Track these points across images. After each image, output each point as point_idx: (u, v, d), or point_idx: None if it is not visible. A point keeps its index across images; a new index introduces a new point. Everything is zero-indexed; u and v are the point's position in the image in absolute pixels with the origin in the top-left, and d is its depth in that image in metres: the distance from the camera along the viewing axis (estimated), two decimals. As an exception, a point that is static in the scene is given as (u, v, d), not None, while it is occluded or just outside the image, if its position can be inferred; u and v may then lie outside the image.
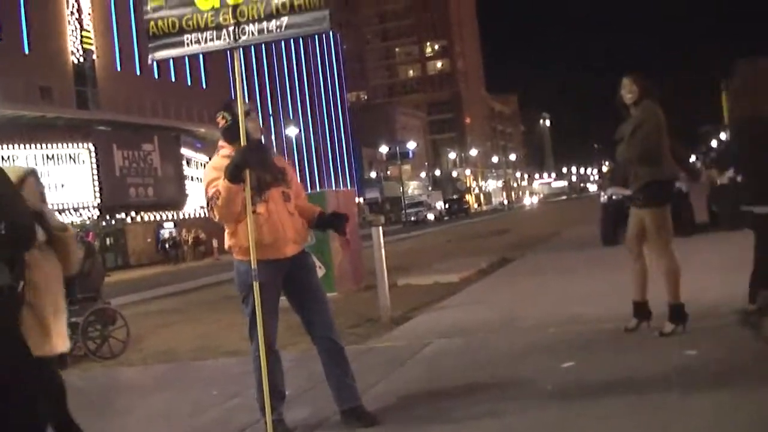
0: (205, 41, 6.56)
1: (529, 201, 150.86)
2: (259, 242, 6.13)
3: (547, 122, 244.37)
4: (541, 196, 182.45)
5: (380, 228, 12.90)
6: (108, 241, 56.54)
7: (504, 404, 6.32)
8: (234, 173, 6.01)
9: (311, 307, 6.44)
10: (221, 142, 6.45)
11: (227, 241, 6.44)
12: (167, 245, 58.59)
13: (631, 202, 8.72)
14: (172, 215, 60.54)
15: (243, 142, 6.18)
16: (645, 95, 8.48)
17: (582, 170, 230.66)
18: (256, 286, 6.12)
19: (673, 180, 8.67)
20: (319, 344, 6.45)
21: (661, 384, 6.36)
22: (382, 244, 12.56)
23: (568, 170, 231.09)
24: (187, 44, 6.64)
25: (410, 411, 6.54)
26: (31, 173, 6.11)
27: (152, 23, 6.74)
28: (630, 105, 8.53)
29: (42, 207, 6.01)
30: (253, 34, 6.42)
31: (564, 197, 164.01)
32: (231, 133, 6.32)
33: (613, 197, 21.00)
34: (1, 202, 4.41)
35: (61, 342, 5.92)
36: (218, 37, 6.52)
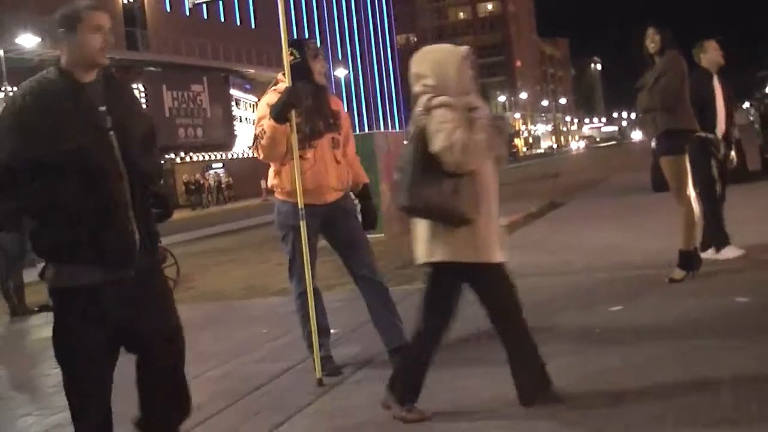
0: None
1: (575, 146, 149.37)
2: (301, 187, 6.13)
3: (598, 66, 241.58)
4: (586, 141, 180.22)
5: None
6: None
7: (552, 347, 6.28)
8: (280, 112, 5.98)
9: (350, 249, 6.46)
10: (279, 76, 6.39)
11: (270, 180, 6.45)
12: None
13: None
14: (221, 155, 60.85)
15: (288, 81, 6.14)
16: (668, 45, 8.56)
17: (632, 115, 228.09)
18: (303, 226, 6.13)
19: (691, 130, 8.61)
20: (362, 285, 6.48)
21: (708, 330, 6.33)
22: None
23: (618, 115, 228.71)
24: None
25: (457, 352, 6.53)
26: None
27: None
28: (654, 54, 8.61)
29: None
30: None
31: (614, 142, 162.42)
32: (296, 71, 6.24)
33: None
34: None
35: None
36: None
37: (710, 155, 9.29)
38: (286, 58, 6.22)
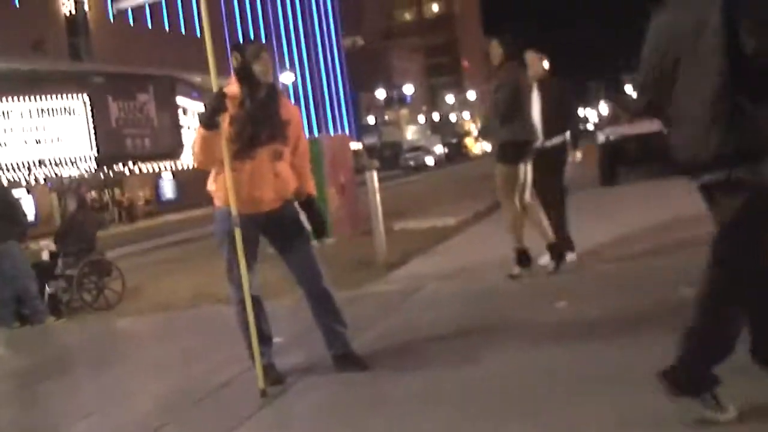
0: None
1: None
2: (236, 196, 6.01)
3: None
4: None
5: (375, 172, 12.84)
6: (107, 194, 56.16)
7: (497, 346, 6.29)
8: (209, 118, 5.87)
9: (292, 257, 6.34)
10: (231, 79, 6.22)
11: (208, 185, 6.33)
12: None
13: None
14: (170, 165, 60.39)
15: (215, 87, 6.00)
16: (508, 57, 8.90)
17: (581, 112, 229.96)
18: (238, 233, 6.04)
19: (526, 142, 8.93)
20: (305, 291, 6.40)
21: (655, 323, 6.32)
22: (377, 189, 12.51)
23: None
24: None
25: (404, 355, 6.52)
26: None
27: None
28: (498, 66, 8.97)
29: None
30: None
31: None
32: (241, 74, 6.11)
33: (611, 137, 20.92)
34: None
35: None
36: None
37: (551, 163, 9.51)
38: (212, 62, 6.12)
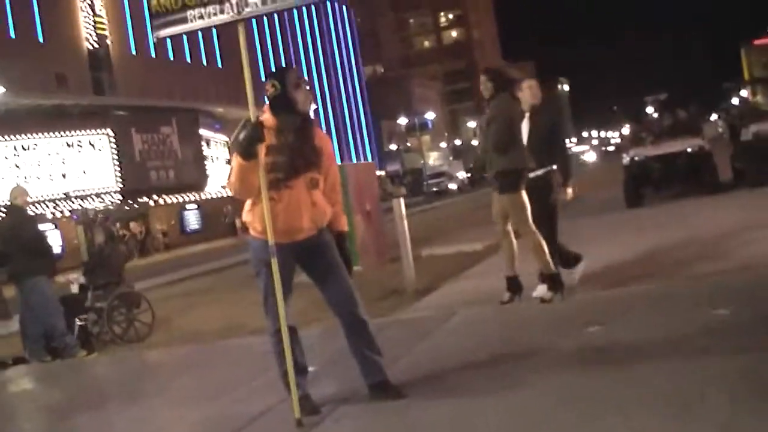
0: (209, 16, 6.43)
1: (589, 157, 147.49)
2: (273, 227, 6.01)
3: (566, 87, 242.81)
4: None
5: (401, 199, 12.84)
6: (141, 225, 56.07)
7: (531, 374, 6.23)
8: (246, 148, 5.87)
9: (329, 283, 6.30)
10: (264, 108, 6.20)
11: (244, 216, 6.32)
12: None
13: (492, 187, 9.49)
14: (195, 197, 60.57)
15: (252, 116, 6.00)
16: (499, 90, 9.17)
17: (603, 134, 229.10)
18: (274, 263, 6.03)
19: (525, 169, 9.25)
20: (341, 319, 6.35)
21: (689, 345, 6.26)
22: (404, 215, 12.50)
23: (588, 134, 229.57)
24: (191, 20, 6.52)
25: (437, 383, 6.47)
26: None
27: (155, 1, 6.66)
28: (489, 99, 9.23)
29: None
30: (256, 5, 6.31)
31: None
32: (278, 103, 6.11)
33: (636, 158, 20.87)
34: None
35: None
36: (222, 11, 6.38)
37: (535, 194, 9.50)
38: (250, 92, 6.12)
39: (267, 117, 6.10)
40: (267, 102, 6.19)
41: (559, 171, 9.84)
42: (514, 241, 9.45)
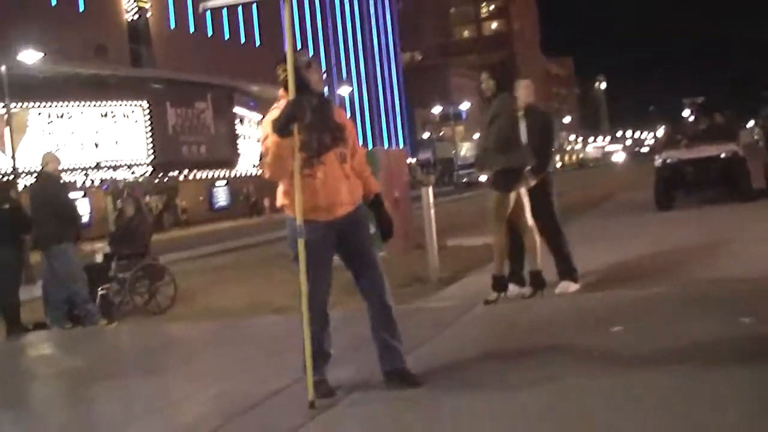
0: None
1: (618, 158, 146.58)
2: (313, 205, 6.01)
3: (603, 85, 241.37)
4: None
5: (430, 188, 12.80)
6: (161, 199, 56.47)
7: (549, 368, 6.19)
8: (284, 126, 5.85)
9: (361, 265, 6.31)
10: (281, 92, 6.20)
11: (280, 199, 6.30)
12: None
13: (491, 186, 9.44)
14: (225, 173, 60.79)
15: (292, 93, 5.98)
16: (501, 88, 9.27)
17: (637, 134, 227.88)
18: (301, 244, 6.00)
19: (524, 168, 9.22)
20: (368, 302, 6.34)
21: (709, 352, 6.20)
22: (432, 204, 12.46)
23: (623, 134, 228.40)
24: None
25: (455, 373, 6.44)
26: None
27: None
28: (490, 97, 9.25)
29: None
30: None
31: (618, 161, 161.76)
32: (294, 84, 6.06)
33: (668, 161, 20.70)
34: None
35: None
36: None
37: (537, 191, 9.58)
38: (291, 72, 6.09)
39: (285, 99, 6.09)
40: (281, 87, 6.17)
41: (537, 159, 9.64)
42: (506, 241, 9.44)
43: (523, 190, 9.24)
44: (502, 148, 9.09)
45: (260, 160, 6.14)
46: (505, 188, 9.14)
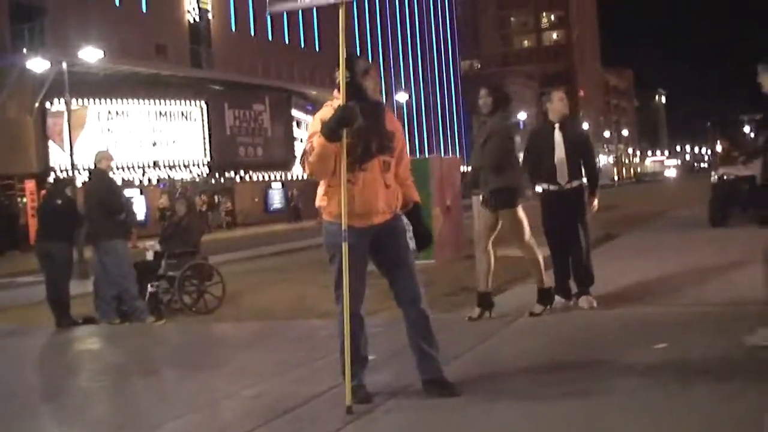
0: None
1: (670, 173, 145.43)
2: (349, 211, 6.02)
3: (663, 98, 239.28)
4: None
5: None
6: (216, 199, 56.69)
7: (591, 384, 6.14)
8: (332, 130, 5.87)
9: (397, 273, 6.31)
10: (335, 92, 6.24)
11: (318, 200, 6.33)
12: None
13: (483, 204, 9.52)
14: (280, 176, 61.03)
15: (343, 99, 6.02)
16: (499, 107, 9.38)
17: (696, 149, 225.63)
18: (345, 247, 6.03)
19: (519, 187, 9.38)
20: (404, 311, 6.34)
21: (757, 372, 6.11)
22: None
23: (682, 148, 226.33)
24: None
25: (494, 384, 6.42)
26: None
27: None
28: (487, 114, 9.33)
29: None
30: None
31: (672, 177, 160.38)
32: (348, 90, 6.11)
33: (724, 177, 20.44)
34: None
35: None
36: None
37: (546, 205, 9.77)
38: (342, 74, 6.12)
39: (339, 102, 6.11)
40: (336, 88, 6.19)
41: (588, 182, 9.80)
42: (492, 259, 9.58)
43: (521, 210, 9.30)
44: (496, 167, 9.16)
45: (302, 156, 6.16)
46: (511, 204, 9.22)
